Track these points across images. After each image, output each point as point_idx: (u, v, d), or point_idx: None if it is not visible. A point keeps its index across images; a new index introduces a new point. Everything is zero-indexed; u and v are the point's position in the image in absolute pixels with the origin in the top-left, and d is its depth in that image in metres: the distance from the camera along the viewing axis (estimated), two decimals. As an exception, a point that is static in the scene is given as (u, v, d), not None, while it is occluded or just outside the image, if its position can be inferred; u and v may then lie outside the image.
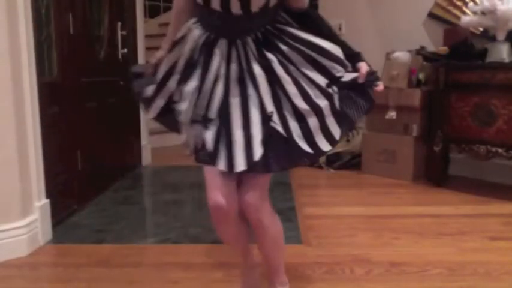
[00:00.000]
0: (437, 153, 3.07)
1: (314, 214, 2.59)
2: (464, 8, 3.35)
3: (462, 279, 1.79)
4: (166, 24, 1.81)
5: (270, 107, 1.22)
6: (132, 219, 2.55)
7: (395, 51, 3.41)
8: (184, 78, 1.31)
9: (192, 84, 1.28)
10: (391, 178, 3.33)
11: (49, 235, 2.24)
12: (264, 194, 1.34)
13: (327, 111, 1.24)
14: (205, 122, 1.25)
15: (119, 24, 3.37)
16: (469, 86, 2.88)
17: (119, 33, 3.37)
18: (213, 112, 1.25)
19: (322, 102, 1.23)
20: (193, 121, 1.28)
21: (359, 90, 1.27)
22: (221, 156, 1.22)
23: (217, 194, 1.28)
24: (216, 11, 1.21)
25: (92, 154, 2.88)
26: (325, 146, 1.25)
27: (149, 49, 3.87)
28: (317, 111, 1.23)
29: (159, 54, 1.39)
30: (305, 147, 1.23)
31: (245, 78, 1.23)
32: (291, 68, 1.24)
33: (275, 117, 1.22)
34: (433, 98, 3.13)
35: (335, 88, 1.25)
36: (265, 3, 1.19)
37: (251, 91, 1.23)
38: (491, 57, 2.86)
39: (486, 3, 2.81)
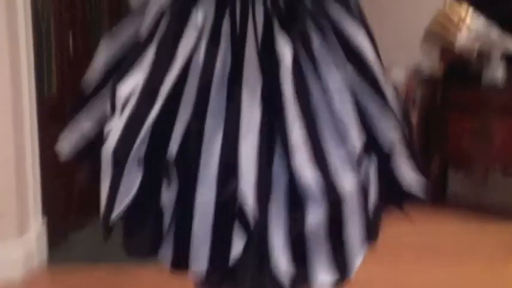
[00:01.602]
0: (436, 172, 3.07)
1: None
2: (461, 27, 3.38)
3: (464, 301, 1.78)
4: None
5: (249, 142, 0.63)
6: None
7: (391, 68, 3.42)
8: (123, 72, 0.71)
9: (133, 79, 0.67)
10: (389, 197, 3.31)
11: (45, 255, 2.21)
12: None
13: (351, 199, 0.63)
14: (162, 166, 0.65)
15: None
16: (466, 106, 2.89)
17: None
18: (176, 140, 0.64)
19: (348, 179, 0.63)
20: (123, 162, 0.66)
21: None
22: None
23: None
24: None
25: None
26: (323, 274, 0.65)
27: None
28: (333, 193, 0.62)
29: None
30: (283, 267, 0.60)
31: (242, 75, 0.65)
32: (316, 89, 0.66)
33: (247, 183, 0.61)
34: (430, 117, 3.14)
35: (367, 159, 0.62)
36: None
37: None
38: (487, 78, 2.88)
39: (483, 23, 2.85)
